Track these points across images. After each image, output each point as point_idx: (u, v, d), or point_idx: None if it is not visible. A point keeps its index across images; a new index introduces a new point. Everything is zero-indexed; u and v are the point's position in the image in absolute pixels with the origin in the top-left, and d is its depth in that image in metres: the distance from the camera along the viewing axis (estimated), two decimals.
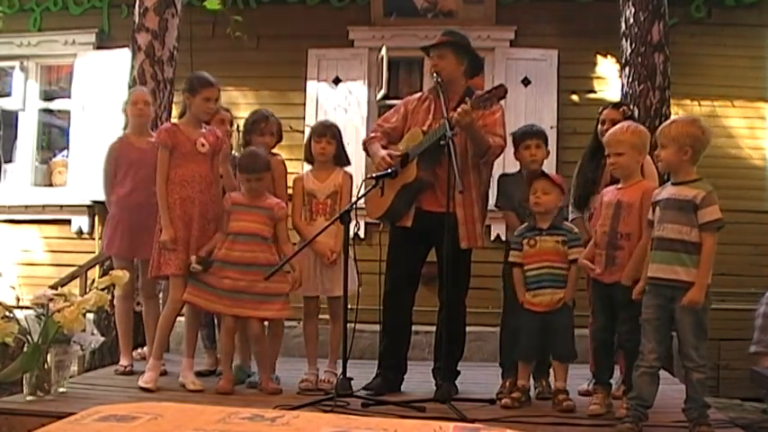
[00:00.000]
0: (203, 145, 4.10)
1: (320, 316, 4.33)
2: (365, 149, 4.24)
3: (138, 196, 4.45)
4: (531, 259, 3.71)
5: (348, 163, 4.35)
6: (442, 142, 3.71)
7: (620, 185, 3.54)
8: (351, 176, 4.28)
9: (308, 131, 4.70)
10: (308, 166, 4.40)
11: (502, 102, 3.95)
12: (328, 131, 4.27)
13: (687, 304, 3.07)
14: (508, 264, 3.84)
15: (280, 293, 3.98)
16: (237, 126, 5.10)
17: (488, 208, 4.21)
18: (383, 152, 4.03)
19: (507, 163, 4.55)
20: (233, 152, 4.79)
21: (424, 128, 4.02)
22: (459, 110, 3.74)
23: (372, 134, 4.24)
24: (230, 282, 3.93)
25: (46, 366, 3.70)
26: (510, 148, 4.14)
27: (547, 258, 3.67)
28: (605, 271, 3.46)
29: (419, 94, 4.35)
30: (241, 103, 6.68)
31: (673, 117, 3.44)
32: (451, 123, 3.73)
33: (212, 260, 3.95)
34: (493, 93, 3.79)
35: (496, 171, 4.31)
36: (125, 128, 4.86)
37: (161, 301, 4.59)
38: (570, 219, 4.07)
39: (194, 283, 3.98)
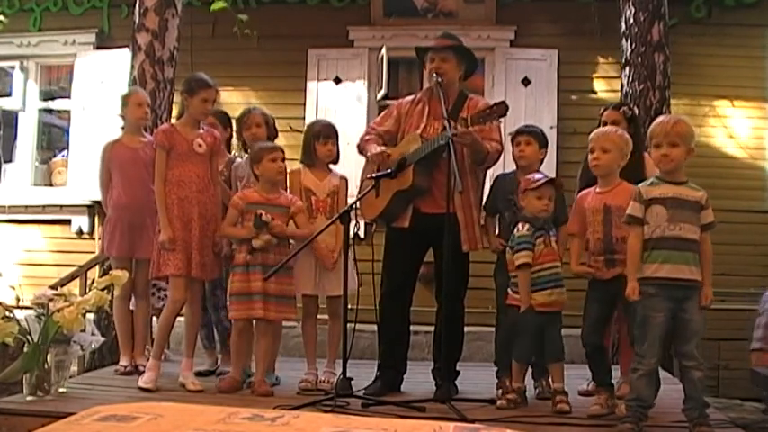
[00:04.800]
0: (200, 145, 4.11)
1: (319, 316, 4.33)
2: (360, 151, 4.19)
3: (130, 196, 4.49)
4: (544, 258, 3.61)
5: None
6: (442, 142, 3.71)
7: (599, 189, 3.55)
8: (347, 180, 4.30)
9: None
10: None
11: None
12: (332, 132, 4.27)
13: (707, 303, 3.13)
14: (520, 265, 3.66)
15: (292, 296, 4.02)
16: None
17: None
18: (380, 148, 4.01)
19: (507, 163, 4.55)
20: (233, 153, 4.78)
21: (420, 131, 4.00)
22: (458, 132, 3.71)
23: (368, 137, 4.17)
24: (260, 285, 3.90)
25: (46, 366, 3.70)
26: (509, 148, 4.12)
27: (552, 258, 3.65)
28: (606, 273, 3.47)
29: (411, 96, 4.32)
30: (241, 104, 6.67)
31: (673, 116, 3.42)
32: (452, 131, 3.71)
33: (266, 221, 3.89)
34: (494, 110, 3.78)
35: (497, 170, 4.31)
36: (123, 127, 4.71)
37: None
38: None
39: (233, 298, 3.98)
